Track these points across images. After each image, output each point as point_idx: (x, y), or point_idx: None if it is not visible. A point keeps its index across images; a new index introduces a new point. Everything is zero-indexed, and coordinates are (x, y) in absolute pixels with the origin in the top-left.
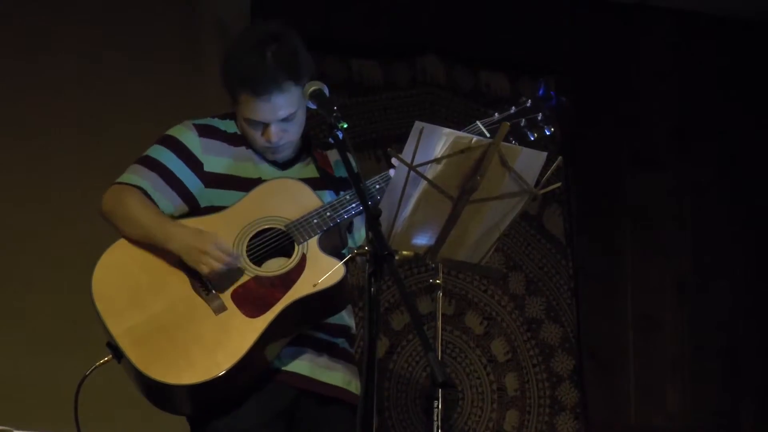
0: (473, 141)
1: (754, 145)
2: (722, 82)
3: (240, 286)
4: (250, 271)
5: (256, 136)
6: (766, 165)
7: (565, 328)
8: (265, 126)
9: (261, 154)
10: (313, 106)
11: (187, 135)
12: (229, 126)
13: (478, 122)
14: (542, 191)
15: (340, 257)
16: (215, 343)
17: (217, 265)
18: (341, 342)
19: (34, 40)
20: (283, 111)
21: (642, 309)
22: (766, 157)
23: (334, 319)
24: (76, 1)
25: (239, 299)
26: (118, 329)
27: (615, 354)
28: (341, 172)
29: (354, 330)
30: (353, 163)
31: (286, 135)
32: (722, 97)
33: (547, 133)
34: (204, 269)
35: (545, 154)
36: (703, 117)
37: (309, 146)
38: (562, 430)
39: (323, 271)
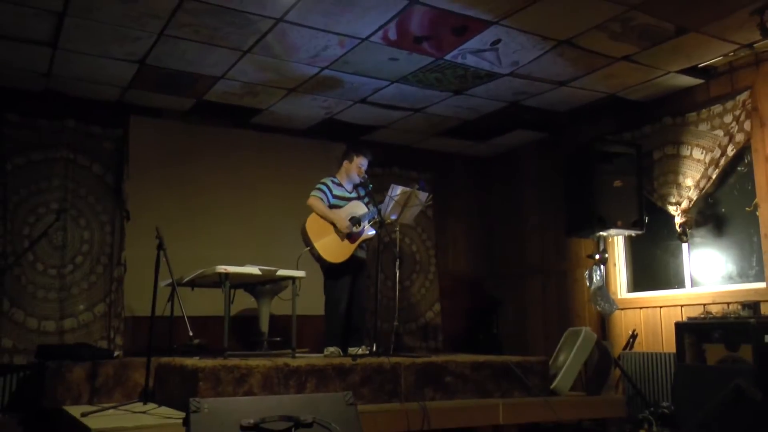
0: (408, 191)
1: (496, 211)
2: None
3: (349, 234)
4: (350, 230)
5: (359, 171)
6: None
7: (428, 253)
8: (363, 167)
9: (348, 187)
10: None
11: (328, 182)
12: (335, 180)
13: (407, 188)
14: (425, 206)
15: (373, 227)
16: (342, 249)
17: (349, 228)
18: (365, 246)
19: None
20: (367, 165)
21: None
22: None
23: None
24: (250, 146)
25: (350, 239)
26: (316, 242)
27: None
28: (361, 192)
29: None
30: (373, 197)
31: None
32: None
33: (426, 196)
34: (346, 230)
35: (428, 194)
36: (486, 193)
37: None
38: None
39: (370, 233)
